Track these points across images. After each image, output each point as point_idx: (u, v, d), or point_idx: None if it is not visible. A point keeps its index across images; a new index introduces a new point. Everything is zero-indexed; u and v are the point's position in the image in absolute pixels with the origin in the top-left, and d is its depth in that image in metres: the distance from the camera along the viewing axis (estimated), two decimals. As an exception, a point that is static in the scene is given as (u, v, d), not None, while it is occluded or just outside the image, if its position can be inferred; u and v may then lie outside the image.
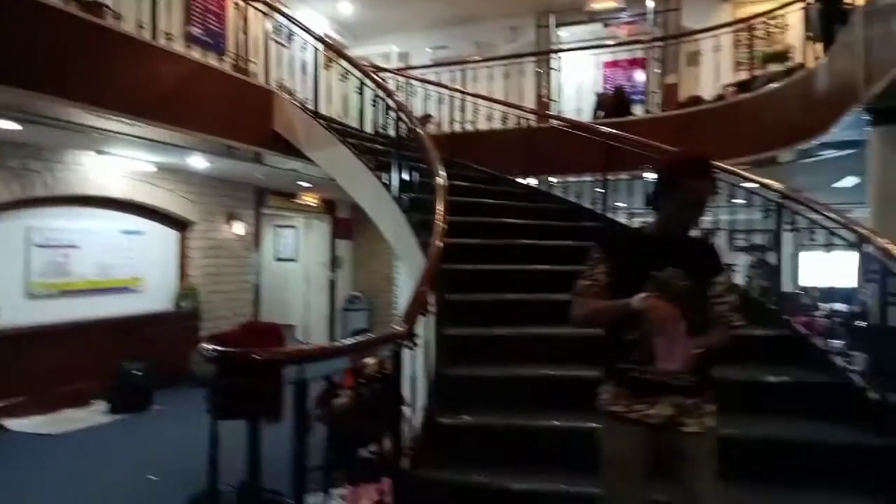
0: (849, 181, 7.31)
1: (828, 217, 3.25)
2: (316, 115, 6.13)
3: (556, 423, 3.02)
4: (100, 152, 6.55)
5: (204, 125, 5.53)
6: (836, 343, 4.27)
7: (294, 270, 11.59)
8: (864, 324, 3.31)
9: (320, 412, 3.10)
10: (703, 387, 2.01)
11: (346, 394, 2.89)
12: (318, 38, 6.40)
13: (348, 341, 2.54)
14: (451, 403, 3.15)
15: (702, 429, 1.98)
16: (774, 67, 7.19)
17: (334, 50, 6.61)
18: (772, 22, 7.17)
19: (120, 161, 6.78)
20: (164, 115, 5.13)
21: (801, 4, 6.54)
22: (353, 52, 8.99)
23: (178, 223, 7.89)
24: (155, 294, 7.51)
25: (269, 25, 6.76)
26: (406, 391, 2.87)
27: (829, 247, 3.31)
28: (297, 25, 6.38)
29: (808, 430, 2.81)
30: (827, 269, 3.79)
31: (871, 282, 2.96)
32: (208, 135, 5.64)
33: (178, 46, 5.52)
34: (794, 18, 6.90)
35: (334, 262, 10.96)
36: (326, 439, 2.68)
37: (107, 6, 5.03)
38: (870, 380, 2.87)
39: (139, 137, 5.74)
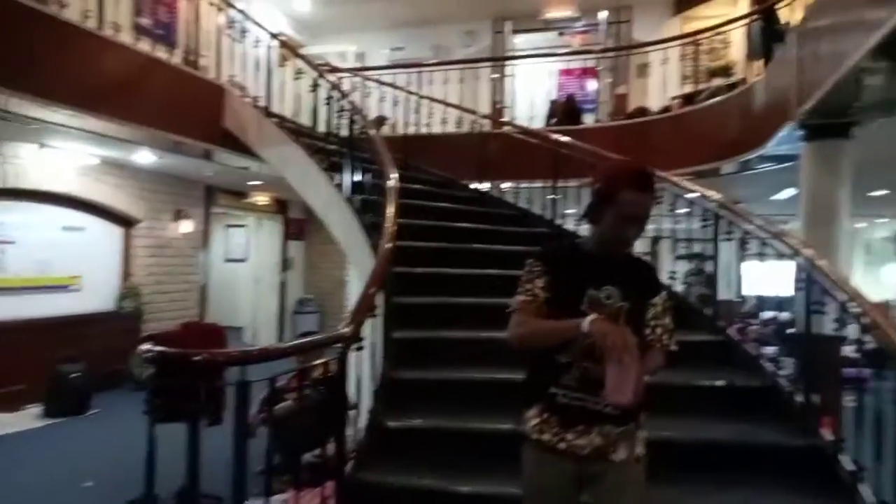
0: (786, 193, 7.63)
1: (760, 228, 3.40)
2: (268, 112, 6.07)
3: (502, 426, 3.06)
4: (41, 145, 6.31)
5: (151, 119, 5.41)
6: (769, 349, 4.47)
7: (244, 271, 11.39)
8: (793, 330, 3.46)
9: (264, 415, 3.07)
10: (635, 413, 1.85)
11: (291, 397, 2.87)
12: (272, 35, 6.34)
13: (292, 343, 2.52)
14: (397, 406, 3.16)
15: (632, 457, 1.86)
16: (718, 81, 7.47)
17: (288, 47, 6.55)
18: (716, 38, 7.43)
19: (61, 154, 6.56)
20: (109, 108, 5.00)
21: (743, 22, 6.81)
22: (310, 50, 8.92)
23: (122, 220, 7.66)
24: (95, 293, 7.27)
25: (222, 19, 6.64)
26: (352, 394, 2.87)
27: (762, 256, 3.46)
28: (251, 20, 6.29)
29: (739, 431, 2.93)
30: (768, 278, 3.94)
31: (800, 290, 3.11)
32: (155, 129, 5.52)
33: (126, 37, 5.37)
34: (738, 35, 7.18)
35: (285, 264, 10.83)
36: (269, 443, 2.65)
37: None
38: (795, 384, 3.02)
39: (82, 130, 5.57)
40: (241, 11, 6.33)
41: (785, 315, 8.47)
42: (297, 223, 11.10)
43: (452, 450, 2.99)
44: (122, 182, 7.51)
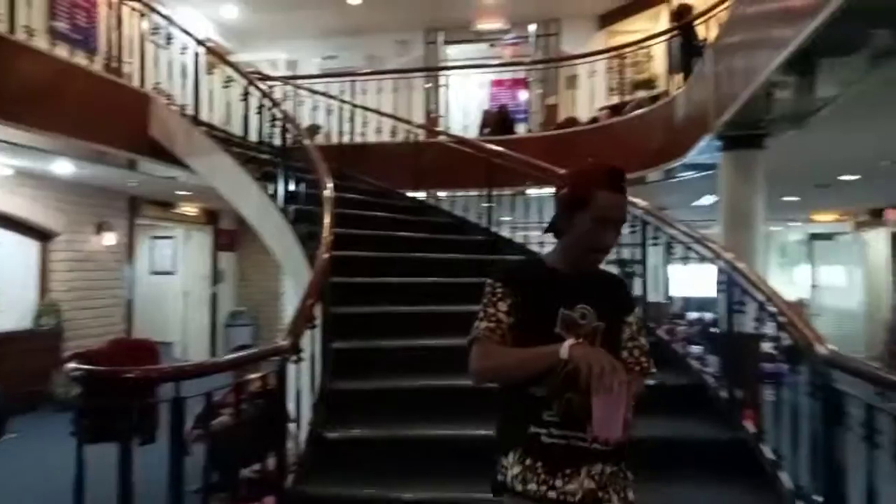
0: (707, 200, 8.03)
1: (683, 233, 3.58)
2: (197, 121, 5.90)
3: (444, 431, 3.09)
4: (-53, 155, 5.93)
5: (69, 128, 5.17)
6: (696, 348, 4.68)
7: (172, 284, 10.99)
8: (717, 330, 3.65)
9: (200, 432, 2.98)
10: (624, 449, 1.61)
11: (228, 412, 2.80)
12: (199, 42, 6.17)
13: (228, 357, 2.46)
14: (338, 417, 3.14)
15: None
16: (642, 93, 7.81)
17: (215, 54, 6.39)
18: (640, 52, 7.76)
19: (-30, 164, 6.18)
20: (23, 116, 4.74)
21: (663, 38, 7.15)
22: (239, 57, 8.73)
23: (39, 233, 7.27)
24: (10, 311, 6.84)
25: (146, 25, 6.41)
26: (291, 407, 2.83)
27: (685, 260, 3.64)
28: (177, 27, 6.11)
29: (671, 427, 3.06)
30: (693, 280, 4.12)
31: (722, 292, 3.29)
32: (75, 138, 5.27)
33: (41, 42, 5.11)
34: (660, 50, 7.52)
35: (216, 276, 10.52)
36: (206, 460, 2.58)
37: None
38: (720, 380, 3.18)
39: (-7, 139, 5.26)
40: (165, 17, 6.14)
41: (708, 315, 8.90)
42: (229, 234, 10.82)
43: (394, 458, 3.00)
44: (39, 193, 7.13)
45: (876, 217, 9.96)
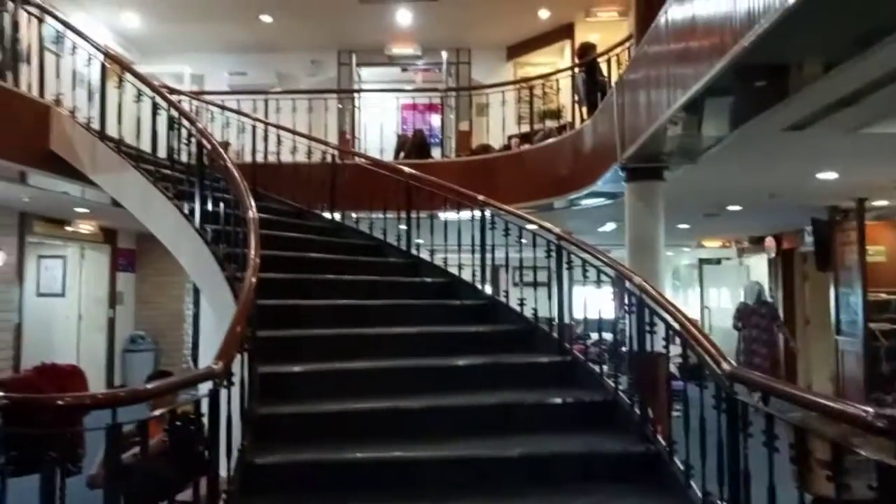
0: (609, 226, 8.54)
1: (598, 258, 3.82)
2: (103, 136, 5.62)
3: (370, 454, 3.13)
4: None
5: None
6: (605, 367, 4.94)
7: (62, 307, 10.21)
8: (625, 349, 3.90)
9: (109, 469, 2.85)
10: None
11: (156, 439, 2.70)
12: (99, 48, 5.85)
13: (163, 382, 2.39)
14: (265, 442, 3.10)
15: None
16: (550, 123, 8.23)
17: (119, 63, 6.08)
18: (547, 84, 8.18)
19: None
20: None
21: (567, 73, 7.64)
22: (141, 69, 8.36)
23: (-89, 252, 6.62)
24: None
25: (45, 32, 6.05)
26: (220, 432, 2.77)
27: (598, 283, 3.88)
28: (76, 32, 5.79)
29: (588, 443, 3.25)
30: (592, 301, 4.36)
31: (631, 313, 3.53)
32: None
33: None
34: (565, 83, 7.97)
35: (114, 298, 9.92)
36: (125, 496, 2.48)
37: None
38: (632, 397, 3.41)
39: None
40: (63, 22, 5.82)
41: (608, 335, 9.37)
42: (128, 253, 10.26)
43: (324, 481, 3.00)
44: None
45: (757, 244, 10.94)
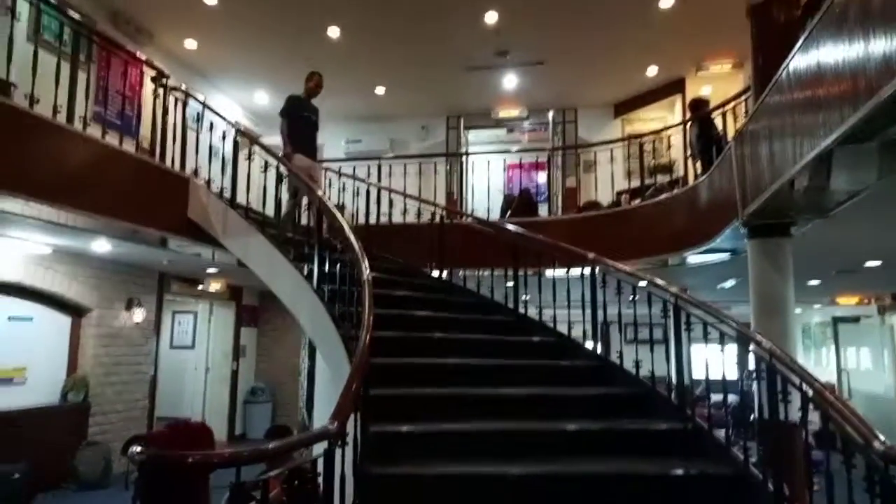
0: (729, 283, 8.06)
1: (721, 320, 3.59)
2: (233, 203, 6.11)
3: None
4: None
5: (114, 210, 5.37)
6: (731, 434, 4.57)
7: (191, 359, 11.00)
8: (755, 416, 3.60)
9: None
10: None
11: (274, 492, 2.79)
12: (233, 126, 6.44)
13: (282, 441, 2.48)
14: (376, 502, 3.11)
15: None
16: (661, 178, 8.01)
17: (252, 140, 6.68)
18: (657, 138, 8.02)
19: (12, 243, 6.37)
20: (71, 198, 4.95)
21: (678, 129, 7.43)
22: (267, 140, 9.09)
23: (72, 309, 7.40)
24: (40, 386, 6.90)
25: (187, 112, 6.77)
26: (334, 491, 2.81)
27: (722, 342, 3.63)
28: (213, 112, 6.43)
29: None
30: (710, 360, 4.05)
31: (760, 379, 3.27)
32: (119, 220, 5.47)
33: (90, 129, 5.39)
34: (676, 137, 7.78)
35: (237, 351, 10.54)
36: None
37: (14, 85, 4.89)
38: (765, 471, 3.11)
39: (38, 219, 5.46)
40: (203, 104, 6.48)
41: (733, 397, 8.71)
42: (250, 309, 10.92)
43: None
44: (75, 270, 7.31)
45: (899, 301, 9.92)
